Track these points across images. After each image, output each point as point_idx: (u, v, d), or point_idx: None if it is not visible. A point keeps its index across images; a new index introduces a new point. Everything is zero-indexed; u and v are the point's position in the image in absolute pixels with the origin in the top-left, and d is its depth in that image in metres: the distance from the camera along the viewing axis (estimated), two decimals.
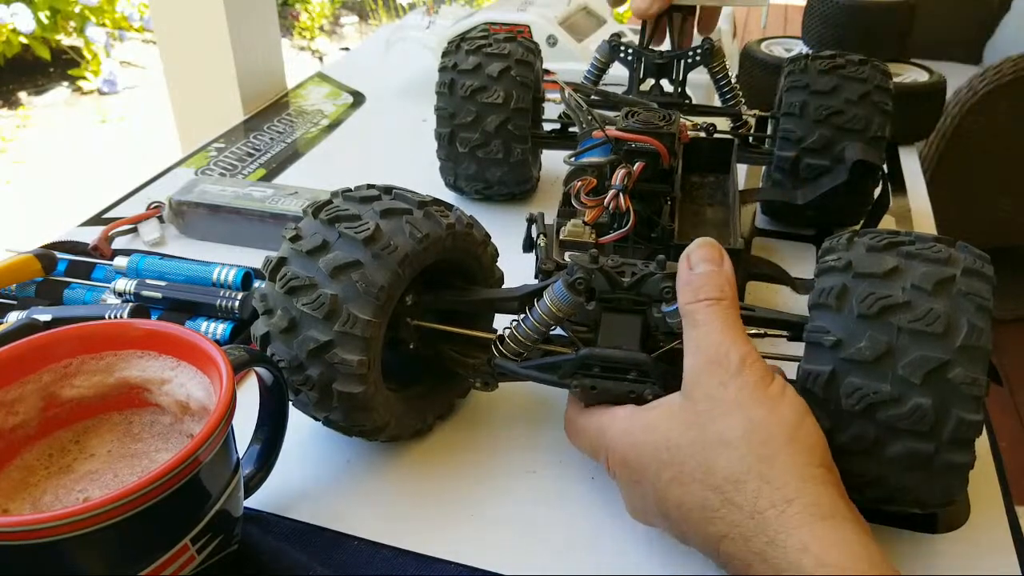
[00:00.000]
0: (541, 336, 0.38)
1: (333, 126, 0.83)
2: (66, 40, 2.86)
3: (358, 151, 0.78)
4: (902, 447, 0.32)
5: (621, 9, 0.68)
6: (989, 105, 1.24)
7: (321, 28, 3.44)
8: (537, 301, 0.38)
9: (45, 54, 2.75)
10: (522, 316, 0.39)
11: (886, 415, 0.32)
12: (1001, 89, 1.22)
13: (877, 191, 0.58)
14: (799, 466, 0.31)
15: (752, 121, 0.62)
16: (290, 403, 0.38)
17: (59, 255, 0.54)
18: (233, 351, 0.34)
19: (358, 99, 0.90)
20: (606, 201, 0.43)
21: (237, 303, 0.49)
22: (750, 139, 0.61)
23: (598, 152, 0.46)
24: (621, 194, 0.42)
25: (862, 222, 0.59)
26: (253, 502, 0.38)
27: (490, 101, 0.59)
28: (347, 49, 3.18)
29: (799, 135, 0.55)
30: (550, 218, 0.46)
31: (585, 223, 0.43)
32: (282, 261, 0.37)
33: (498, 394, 0.46)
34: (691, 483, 0.32)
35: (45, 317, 0.47)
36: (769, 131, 0.61)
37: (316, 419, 0.39)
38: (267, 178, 0.72)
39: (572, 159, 0.46)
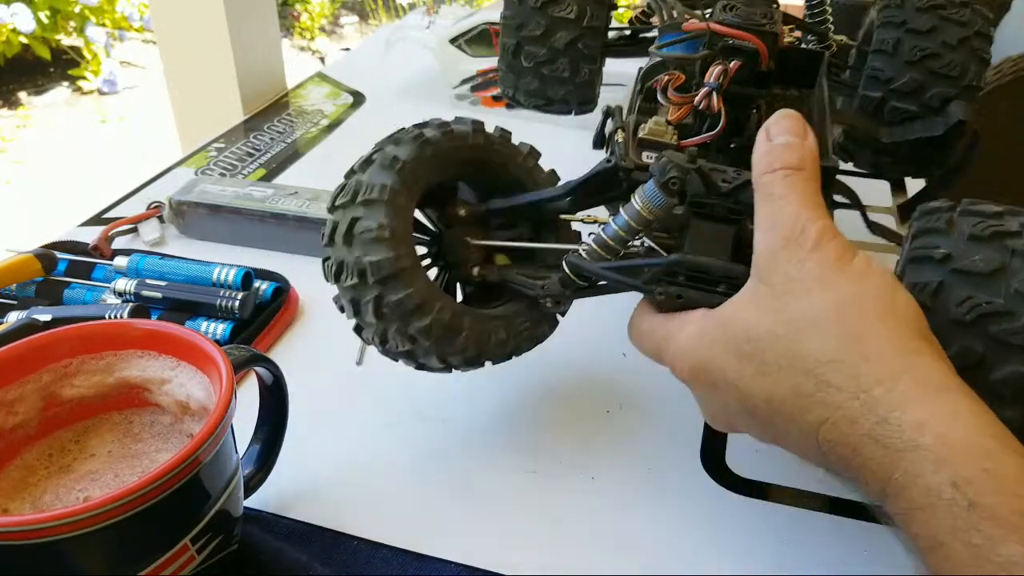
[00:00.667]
0: (624, 244, 0.36)
1: (333, 126, 0.83)
2: (66, 40, 2.85)
3: (358, 151, 0.77)
4: (1010, 370, 0.31)
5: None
6: (989, 105, 1.24)
7: (321, 28, 3.44)
8: (623, 206, 0.35)
9: (45, 54, 2.75)
10: (602, 225, 0.36)
11: (998, 328, 0.30)
12: (1001, 89, 1.22)
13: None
14: (899, 340, 0.28)
15: (835, 46, 0.57)
16: (289, 404, 0.38)
17: (59, 255, 0.54)
18: (233, 351, 0.34)
19: (358, 99, 0.90)
20: (696, 99, 0.39)
21: (237, 303, 0.49)
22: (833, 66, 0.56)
23: (680, 49, 0.43)
24: (715, 93, 0.39)
25: (936, 177, 0.56)
26: (253, 502, 0.38)
27: (562, 15, 0.55)
28: (347, 49, 3.17)
29: (888, 75, 0.51)
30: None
31: (668, 122, 0.40)
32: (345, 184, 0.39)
33: (498, 394, 0.46)
34: (778, 372, 0.29)
35: (45, 317, 0.47)
36: (851, 63, 0.57)
37: (356, 320, 0.38)
38: (267, 178, 0.71)
39: (660, 50, 0.44)
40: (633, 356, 0.40)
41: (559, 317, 0.41)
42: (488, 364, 0.39)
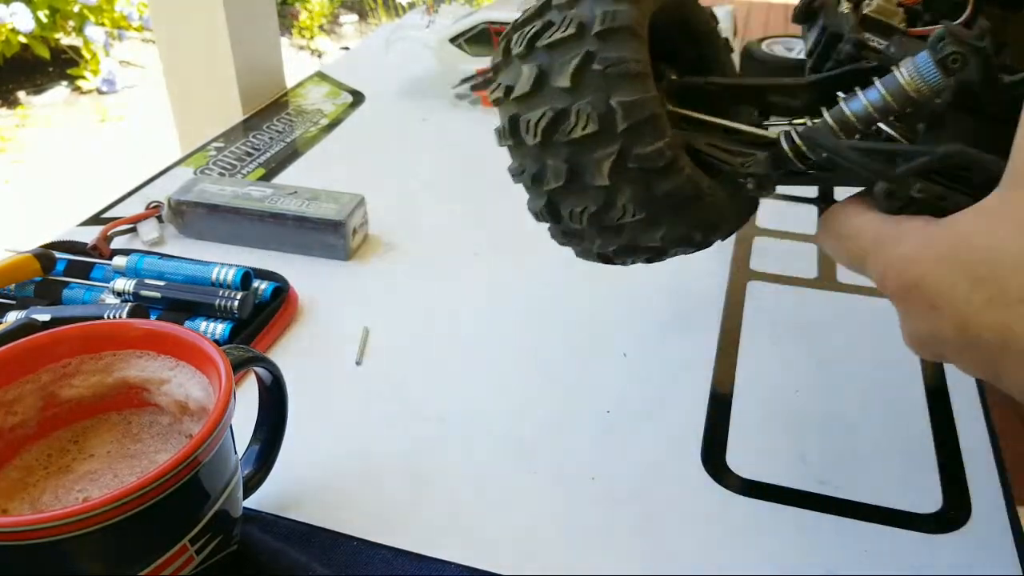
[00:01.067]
0: (869, 125, 0.30)
1: (332, 125, 0.83)
2: (65, 39, 2.86)
3: (358, 151, 0.78)
4: None
5: None
6: None
7: (320, 27, 3.44)
8: (878, 79, 0.30)
9: (44, 53, 2.76)
10: (846, 97, 0.31)
11: None
12: None
13: None
14: None
15: None
16: (289, 404, 0.38)
17: (58, 255, 0.54)
18: (232, 351, 0.33)
19: (358, 98, 0.89)
20: None
21: (236, 303, 0.49)
22: None
23: None
24: None
25: None
26: (253, 502, 0.38)
27: None
28: (347, 48, 3.18)
29: None
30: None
31: (900, 4, 0.35)
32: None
33: (498, 393, 0.46)
34: (1019, 305, 0.24)
35: (44, 317, 0.47)
36: None
37: (520, 106, 0.33)
38: (266, 177, 0.71)
39: None
40: (633, 356, 0.40)
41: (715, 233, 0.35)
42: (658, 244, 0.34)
